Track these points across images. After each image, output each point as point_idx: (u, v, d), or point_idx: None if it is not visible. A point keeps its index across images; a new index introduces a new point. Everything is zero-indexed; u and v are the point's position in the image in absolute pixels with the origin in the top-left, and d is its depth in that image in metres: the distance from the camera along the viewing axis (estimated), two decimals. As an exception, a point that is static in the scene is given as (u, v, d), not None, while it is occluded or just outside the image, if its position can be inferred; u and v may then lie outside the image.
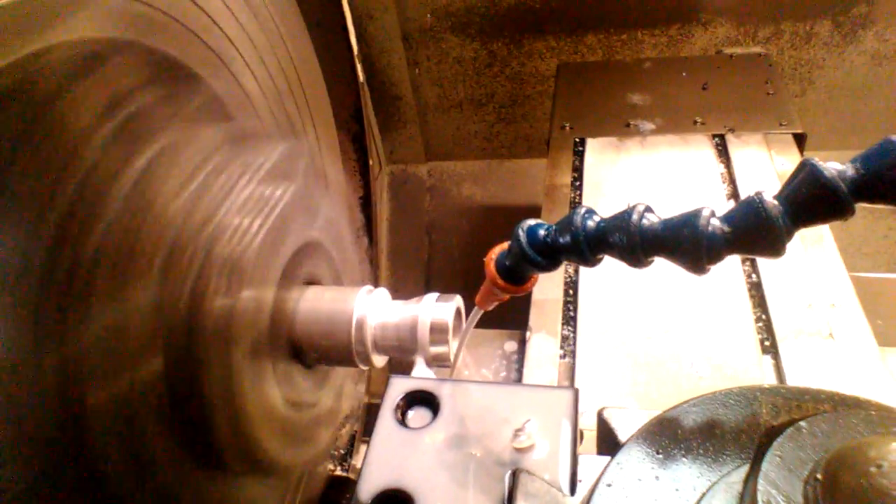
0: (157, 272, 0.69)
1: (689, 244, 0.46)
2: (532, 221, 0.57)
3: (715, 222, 0.47)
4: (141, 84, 0.73)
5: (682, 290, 1.16)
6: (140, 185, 0.67)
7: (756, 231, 0.45)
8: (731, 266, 1.20)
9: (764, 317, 1.12)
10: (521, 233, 0.56)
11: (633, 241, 0.48)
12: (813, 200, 0.43)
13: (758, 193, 0.45)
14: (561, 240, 0.54)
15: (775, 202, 0.44)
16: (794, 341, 1.06)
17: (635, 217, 0.49)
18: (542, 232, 0.56)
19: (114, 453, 0.66)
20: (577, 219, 0.52)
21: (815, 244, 1.22)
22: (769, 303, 1.13)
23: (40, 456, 0.59)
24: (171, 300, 0.70)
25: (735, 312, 1.12)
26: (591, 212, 0.53)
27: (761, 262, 1.20)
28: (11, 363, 0.56)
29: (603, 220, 0.52)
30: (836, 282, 1.15)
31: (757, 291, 1.16)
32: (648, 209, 0.50)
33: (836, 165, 0.43)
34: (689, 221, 0.47)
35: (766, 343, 1.08)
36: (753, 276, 1.19)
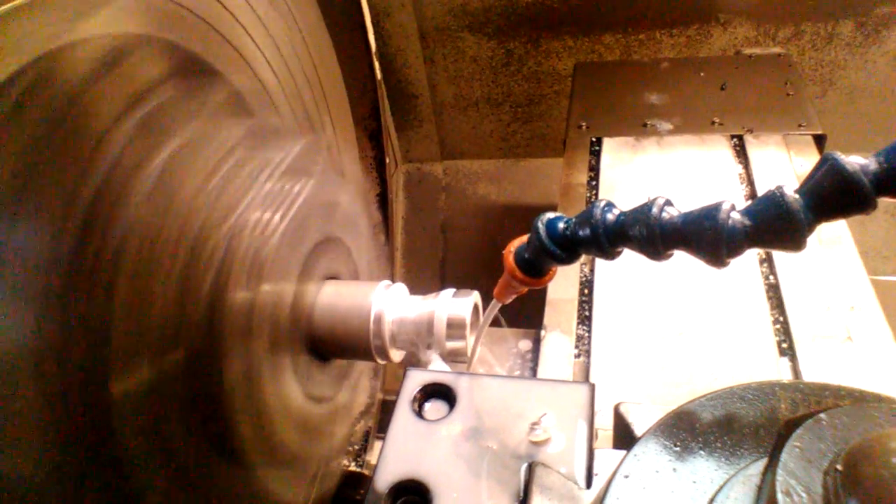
0: (179, 265, 0.69)
1: (709, 237, 0.46)
2: (551, 214, 0.57)
3: (735, 216, 0.47)
4: (163, 79, 0.74)
5: (698, 290, 1.16)
6: (163, 178, 0.68)
7: (777, 224, 0.45)
8: (748, 267, 1.19)
9: (781, 319, 1.11)
10: (540, 225, 0.56)
11: (652, 233, 0.49)
12: (835, 194, 0.43)
13: (779, 187, 0.45)
14: (580, 232, 0.54)
15: (796, 196, 0.44)
16: (812, 344, 1.05)
17: (655, 210, 0.49)
18: (561, 225, 0.56)
19: (135, 443, 0.67)
20: (597, 211, 0.52)
21: (834, 246, 1.21)
22: (787, 305, 1.11)
23: (64, 444, 0.60)
24: (192, 293, 0.71)
25: (752, 314, 1.11)
26: (610, 205, 0.53)
27: (779, 264, 1.19)
28: (38, 352, 0.57)
29: (623, 212, 0.53)
30: (855, 284, 1.14)
31: (775, 293, 1.15)
32: (668, 202, 0.50)
33: (858, 159, 0.43)
34: (709, 214, 0.47)
35: (784, 345, 1.07)
36: (771, 277, 1.18)
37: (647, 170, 1.46)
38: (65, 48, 0.61)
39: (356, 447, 1.50)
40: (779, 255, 1.19)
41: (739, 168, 1.44)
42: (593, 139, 1.58)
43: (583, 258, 1.22)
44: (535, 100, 2.31)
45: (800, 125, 1.52)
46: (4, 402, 0.55)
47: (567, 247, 0.56)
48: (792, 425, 0.39)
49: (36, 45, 0.58)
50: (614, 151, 1.54)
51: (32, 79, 0.58)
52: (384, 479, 0.64)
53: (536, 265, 0.60)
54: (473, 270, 2.47)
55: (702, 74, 1.73)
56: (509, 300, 0.68)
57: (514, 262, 0.61)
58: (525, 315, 1.21)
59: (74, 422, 0.61)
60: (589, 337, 1.13)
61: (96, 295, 0.61)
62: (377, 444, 1.55)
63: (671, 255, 0.51)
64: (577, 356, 1.11)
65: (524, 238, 0.61)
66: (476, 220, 2.52)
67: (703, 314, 1.12)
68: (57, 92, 0.60)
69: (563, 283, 1.22)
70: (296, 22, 1.19)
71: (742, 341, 1.07)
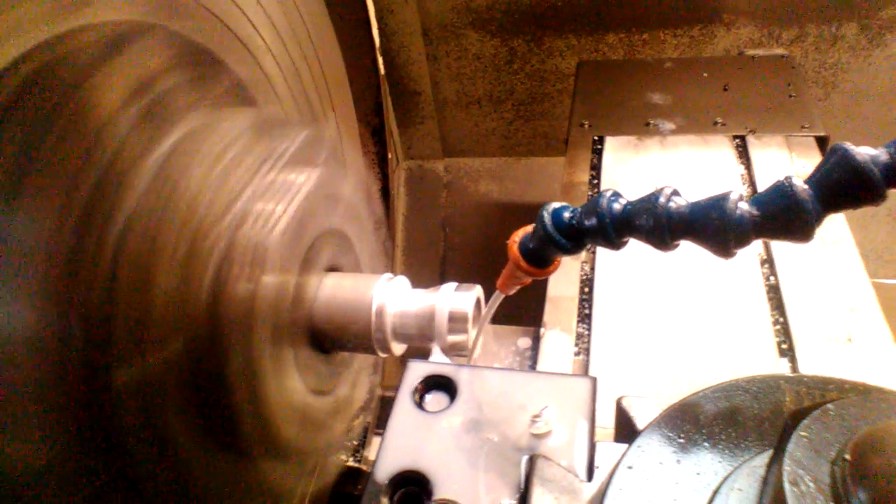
0: (181, 256, 0.69)
1: (716, 227, 0.46)
2: (557, 204, 0.57)
3: (743, 206, 0.47)
4: (166, 68, 0.74)
5: (699, 290, 1.15)
6: (164, 168, 0.68)
7: (785, 215, 0.44)
8: (749, 268, 1.19)
9: (782, 320, 1.10)
10: (546, 215, 0.56)
11: (659, 223, 0.48)
12: (844, 185, 0.43)
13: (787, 177, 0.45)
14: (586, 222, 0.54)
15: (805, 186, 0.44)
16: (812, 345, 1.05)
17: (662, 200, 0.48)
18: (567, 214, 0.56)
19: (136, 432, 0.66)
20: (604, 201, 0.52)
21: (835, 248, 1.21)
22: (787, 306, 1.11)
23: (64, 433, 0.60)
24: (194, 284, 0.71)
25: (752, 315, 1.11)
26: (617, 195, 0.53)
27: (780, 264, 1.19)
28: (39, 342, 0.57)
29: (629, 202, 0.52)
30: (856, 287, 1.14)
31: (775, 294, 1.15)
32: (676, 192, 0.50)
33: (868, 150, 0.43)
34: (717, 204, 0.46)
35: (784, 346, 1.06)
36: (772, 278, 1.18)
37: (649, 169, 1.46)
38: (67, 35, 0.61)
39: (355, 443, 1.50)
40: (780, 257, 1.19)
41: (741, 169, 1.44)
42: (595, 138, 1.58)
43: (583, 256, 1.22)
44: (538, 98, 2.31)
45: (802, 127, 1.52)
46: (5, 392, 0.55)
47: (573, 237, 0.56)
48: (799, 415, 0.38)
49: (38, 32, 0.58)
50: (616, 150, 1.54)
51: (34, 66, 0.57)
52: (384, 470, 0.64)
53: (541, 255, 0.60)
54: (474, 268, 2.46)
55: (705, 75, 1.73)
56: (513, 291, 0.67)
57: (519, 251, 0.61)
58: (524, 313, 1.20)
59: (75, 411, 0.60)
60: (589, 335, 1.13)
61: (97, 285, 0.61)
62: (376, 440, 1.55)
63: (678, 246, 0.50)
64: (577, 354, 1.11)
65: (529, 228, 0.61)
66: (477, 218, 2.52)
67: (703, 314, 1.12)
68: (59, 79, 0.60)
69: (563, 280, 1.22)
70: (300, 16, 1.19)
71: (742, 342, 1.07)
